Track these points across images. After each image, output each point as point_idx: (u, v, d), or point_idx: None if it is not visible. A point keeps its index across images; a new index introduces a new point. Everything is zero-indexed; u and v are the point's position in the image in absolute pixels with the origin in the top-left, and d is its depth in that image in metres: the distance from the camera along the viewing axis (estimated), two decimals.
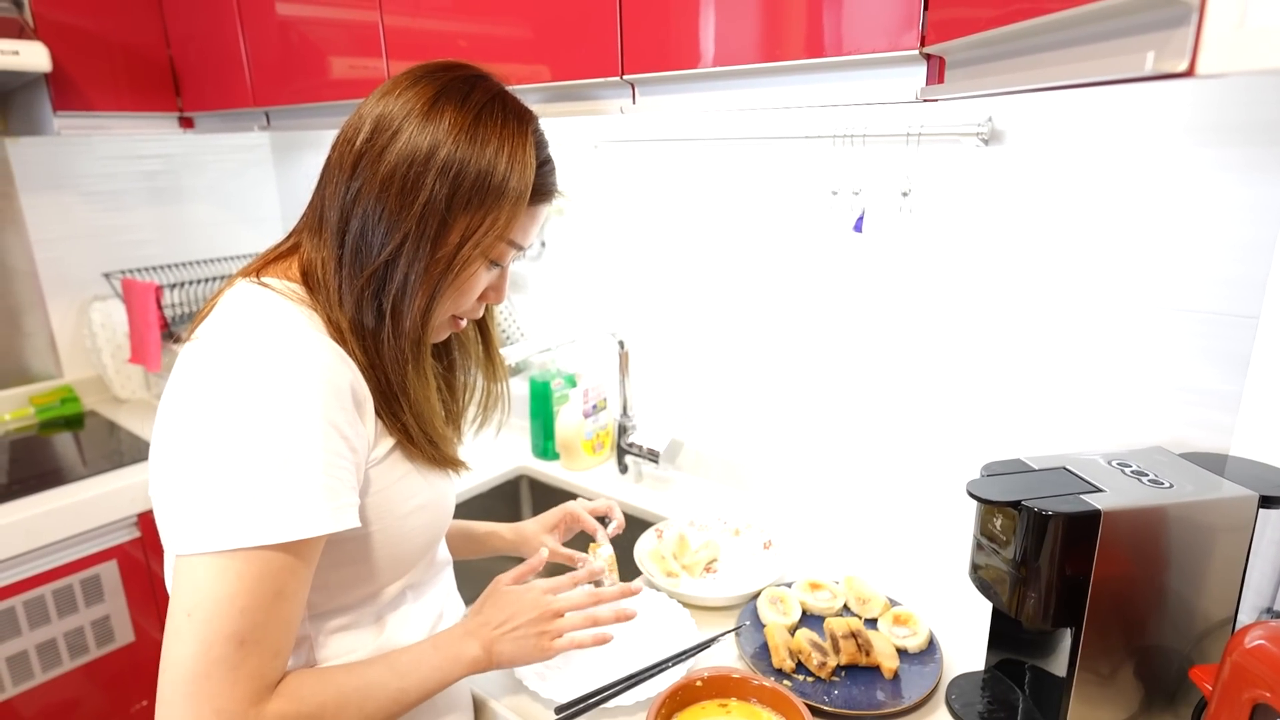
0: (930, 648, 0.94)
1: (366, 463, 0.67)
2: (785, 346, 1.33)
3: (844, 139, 1.13)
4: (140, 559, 1.56)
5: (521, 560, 0.93)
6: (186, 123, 1.80)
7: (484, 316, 0.87)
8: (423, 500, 0.74)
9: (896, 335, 1.19)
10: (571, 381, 1.61)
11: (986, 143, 1.03)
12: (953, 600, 1.06)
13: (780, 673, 0.91)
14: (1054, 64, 0.55)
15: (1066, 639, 0.78)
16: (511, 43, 1.07)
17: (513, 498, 1.61)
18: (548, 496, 1.55)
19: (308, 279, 0.70)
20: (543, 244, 1.66)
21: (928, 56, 0.73)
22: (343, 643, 0.72)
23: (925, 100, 0.74)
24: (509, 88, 0.74)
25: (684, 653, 0.94)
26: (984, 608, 0.88)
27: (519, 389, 1.66)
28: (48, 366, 1.93)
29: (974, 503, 0.80)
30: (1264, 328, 0.86)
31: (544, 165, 0.73)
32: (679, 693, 0.80)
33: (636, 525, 1.32)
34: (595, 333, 1.53)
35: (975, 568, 0.84)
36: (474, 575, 1.24)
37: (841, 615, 1.02)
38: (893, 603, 1.03)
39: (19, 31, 1.46)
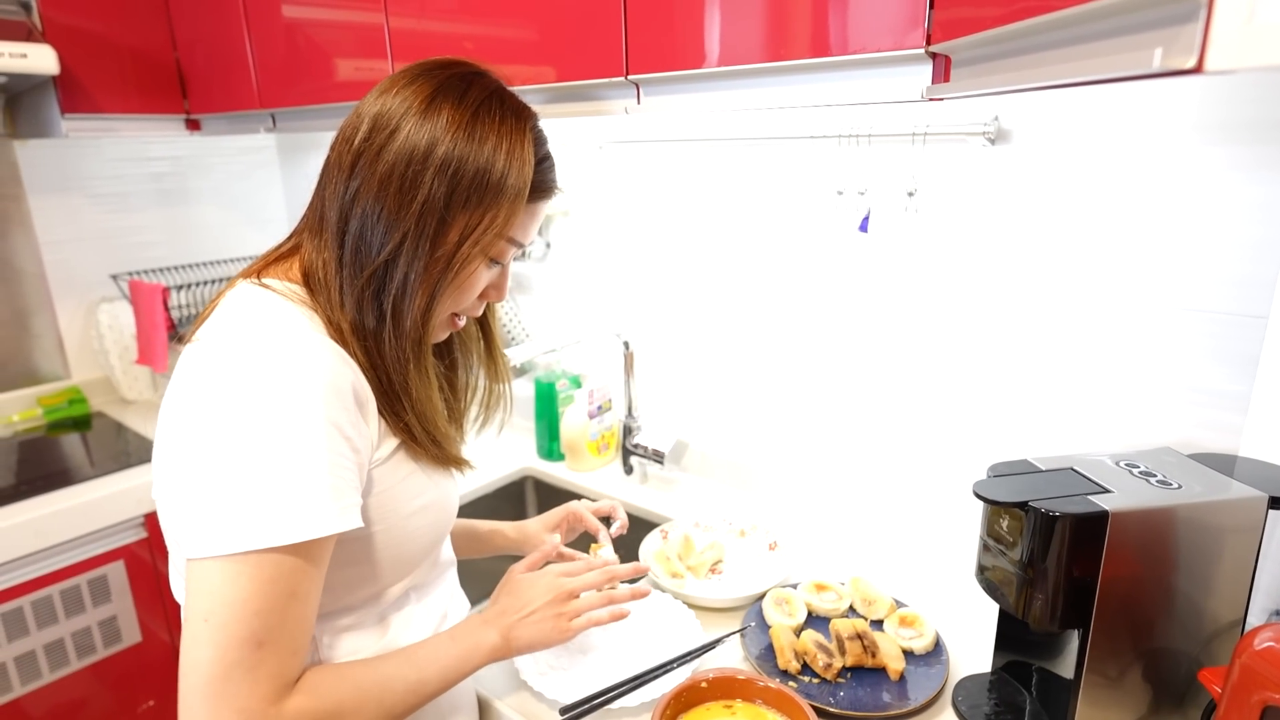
0: (936, 649, 0.94)
1: (370, 463, 0.67)
2: (790, 347, 1.32)
3: (849, 139, 1.13)
4: (147, 559, 1.57)
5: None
6: (193, 125, 1.81)
7: (486, 315, 0.87)
8: (427, 500, 0.74)
9: (902, 335, 1.18)
10: (576, 382, 1.61)
11: (993, 142, 1.02)
12: (959, 601, 1.05)
13: (786, 674, 0.91)
14: (1061, 61, 0.55)
15: (1074, 641, 0.78)
16: (517, 44, 1.07)
17: (518, 499, 1.61)
18: (553, 497, 1.55)
19: (308, 280, 0.69)
20: (548, 245, 1.66)
21: (933, 55, 0.73)
22: (347, 643, 0.72)
23: (931, 99, 0.74)
24: (514, 88, 0.74)
25: (689, 654, 0.93)
26: (990, 609, 0.88)
27: (524, 390, 1.66)
28: (55, 368, 1.94)
29: (980, 504, 0.80)
30: (1273, 328, 0.85)
31: (543, 162, 0.72)
32: (684, 694, 0.80)
33: (642, 526, 1.32)
34: (600, 334, 1.53)
35: (982, 569, 0.84)
36: (477, 575, 1.24)
37: (847, 616, 1.02)
38: (899, 604, 1.02)
39: (27, 35, 1.47)
